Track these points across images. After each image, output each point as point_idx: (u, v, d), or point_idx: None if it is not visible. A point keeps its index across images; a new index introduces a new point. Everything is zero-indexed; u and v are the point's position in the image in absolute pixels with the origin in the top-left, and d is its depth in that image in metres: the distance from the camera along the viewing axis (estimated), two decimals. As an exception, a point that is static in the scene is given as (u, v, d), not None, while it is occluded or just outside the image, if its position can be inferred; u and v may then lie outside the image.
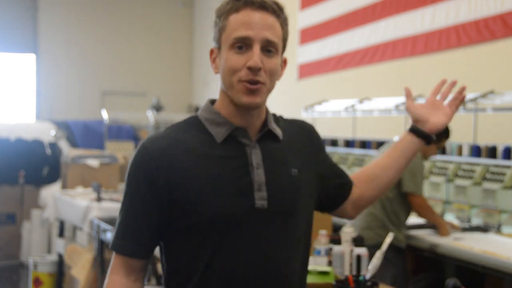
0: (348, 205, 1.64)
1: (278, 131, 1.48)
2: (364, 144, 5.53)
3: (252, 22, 1.37)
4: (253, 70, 1.35)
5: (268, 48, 1.38)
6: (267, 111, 1.48)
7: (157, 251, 1.49)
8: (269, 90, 1.42)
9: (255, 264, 1.39)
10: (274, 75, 1.40)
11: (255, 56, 1.35)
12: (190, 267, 1.39)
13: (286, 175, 1.44)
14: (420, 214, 3.72)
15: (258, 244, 1.39)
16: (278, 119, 1.53)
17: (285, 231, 1.43)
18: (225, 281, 1.38)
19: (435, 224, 3.72)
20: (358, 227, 3.66)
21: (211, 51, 1.46)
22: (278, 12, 1.40)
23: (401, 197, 3.64)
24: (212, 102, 1.48)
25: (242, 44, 1.37)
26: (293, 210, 1.44)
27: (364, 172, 1.67)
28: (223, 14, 1.40)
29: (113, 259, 1.45)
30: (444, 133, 3.74)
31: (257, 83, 1.37)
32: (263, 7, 1.38)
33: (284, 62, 1.48)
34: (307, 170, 1.50)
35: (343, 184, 1.62)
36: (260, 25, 1.37)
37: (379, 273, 3.44)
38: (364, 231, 3.60)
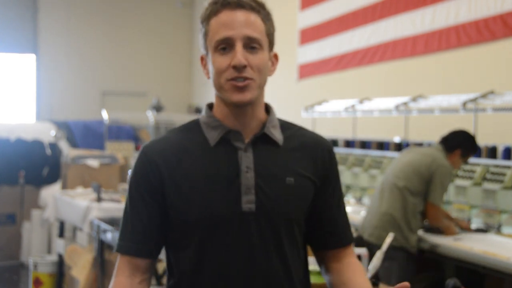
0: (327, 258, 1.54)
1: (277, 136, 1.45)
2: (364, 144, 5.53)
3: (232, 22, 1.38)
4: (238, 68, 1.36)
5: (251, 45, 1.38)
6: (270, 114, 1.47)
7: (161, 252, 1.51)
8: (260, 86, 1.41)
9: (241, 267, 1.39)
10: (262, 71, 1.40)
11: (238, 54, 1.36)
12: (182, 267, 1.43)
13: (279, 181, 1.42)
14: (432, 222, 3.71)
15: (245, 247, 1.39)
16: (287, 126, 1.50)
17: (274, 237, 1.42)
18: (213, 281, 1.40)
19: (442, 228, 3.71)
20: (370, 225, 3.65)
21: (201, 58, 1.47)
22: (257, 8, 1.41)
23: (424, 204, 3.64)
24: (211, 105, 1.49)
25: (225, 45, 1.38)
26: (285, 217, 1.42)
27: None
28: (205, 20, 1.42)
29: (118, 261, 1.46)
30: (472, 149, 3.74)
31: (245, 80, 1.37)
32: (241, 6, 1.39)
33: (275, 57, 1.48)
34: (306, 183, 1.46)
35: (325, 231, 1.52)
36: (240, 23, 1.38)
37: (386, 274, 3.45)
38: (376, 230, 3.58)
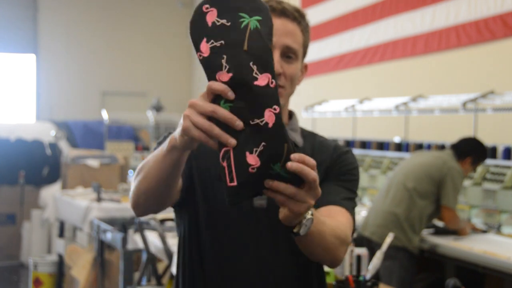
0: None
1: (297, 139, 1.48)
2: (364, 144, 5.53)
3: (274, 29, 1.38)
4: None
5: (288, 54, 1.40)
6: (291, 120, 1.50)
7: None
8: (289, 94, 1.44)
9: (253, 262, 1.40)
10: (294, 80, 1.42)
11: (275, 62, 1.36)
12: (194, 261, 1.43)
13: None
14: (449, 225, 3.71)
15: (256, 243, 1.41)
16: (306, 133, 1.53)
17: (285, 233, 1.39)
18: (224, 276, 1.41)
19: (458, 230, 3.72)
20: (373, 223, 3.64)
21: None
22: (299, 19, 1.42)
23: (435, 207, 3.63)
24: None
25: None
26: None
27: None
28: None
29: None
30: (483, 156, 3.75)
31: None
32: (284, 14, 1.40)
33: (305, 67, 1.50)
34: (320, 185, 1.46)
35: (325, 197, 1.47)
36: (281, 31, 1.38)
37: (387, 274, 3.45)
38: (379, 229, 3.58)
